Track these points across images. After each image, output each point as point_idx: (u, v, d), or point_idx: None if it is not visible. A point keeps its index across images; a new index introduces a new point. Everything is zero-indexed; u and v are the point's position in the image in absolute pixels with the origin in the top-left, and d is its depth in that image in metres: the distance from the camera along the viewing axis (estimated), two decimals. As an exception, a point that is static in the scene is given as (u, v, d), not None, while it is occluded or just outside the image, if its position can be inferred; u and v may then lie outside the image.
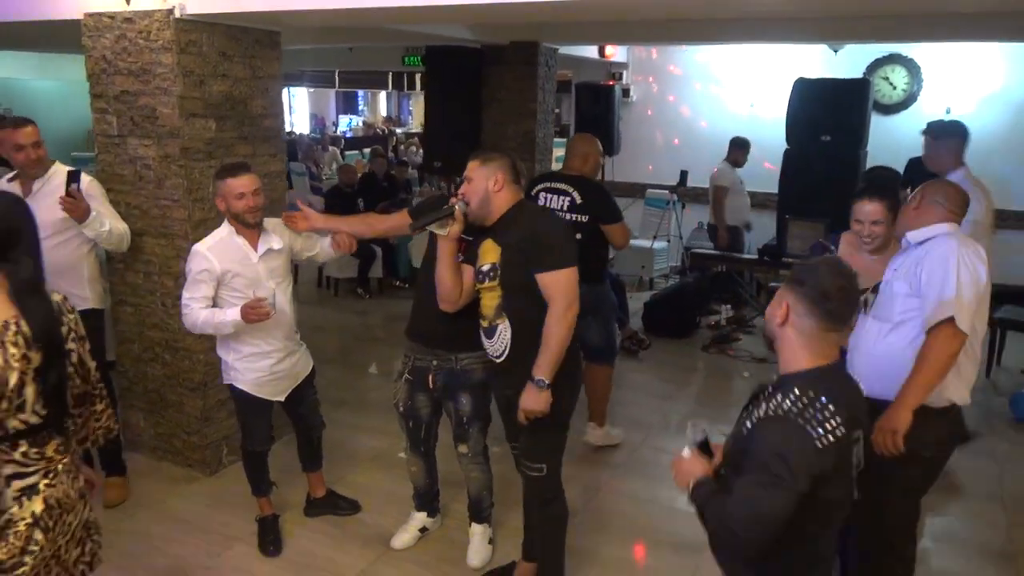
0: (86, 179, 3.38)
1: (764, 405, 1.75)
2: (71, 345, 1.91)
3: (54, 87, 12.30)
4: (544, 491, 2.83)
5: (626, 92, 8.63)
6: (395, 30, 5.20)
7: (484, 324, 2.74)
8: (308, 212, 3.14)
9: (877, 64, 7.73)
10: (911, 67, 7.65)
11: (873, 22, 5.46)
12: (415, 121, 15.88)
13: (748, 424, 1.79)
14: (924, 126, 6.63)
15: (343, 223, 3.32)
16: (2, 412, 1.76)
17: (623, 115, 8.16)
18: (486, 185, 2.61)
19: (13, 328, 1.77)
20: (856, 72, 7.68)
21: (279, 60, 4.04)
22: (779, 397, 1.71)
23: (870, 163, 6.71)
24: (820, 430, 1.64)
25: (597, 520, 3.61)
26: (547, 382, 2.58)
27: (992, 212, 3.93)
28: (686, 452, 1.90)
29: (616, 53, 8.36)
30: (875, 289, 2.65)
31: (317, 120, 17.67)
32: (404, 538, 3.39)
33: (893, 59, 7.69)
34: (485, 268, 2.66)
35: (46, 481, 1.85)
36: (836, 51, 7.53)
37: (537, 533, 2.94)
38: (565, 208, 3.92)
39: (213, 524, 3.54)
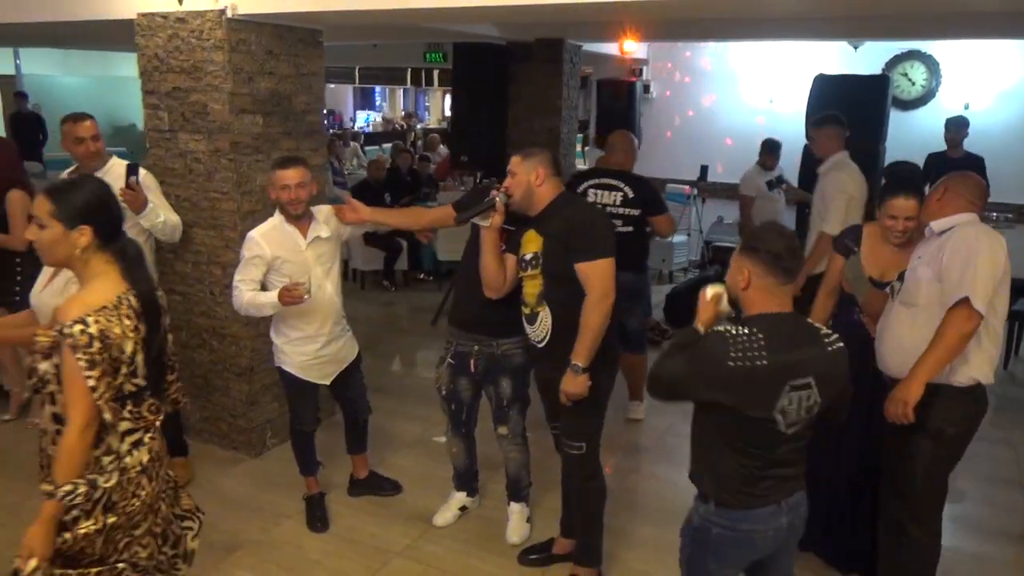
0: (142, 172, 3.54)
1: None
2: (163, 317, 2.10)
3: (79, 83, 12.53)
4: (583, 468, 2.97)
5: (646, 88, 8.74)
6: (426, 28, 5.35)
7: (526, 311, 2.89)
8: (356, 205, 3.28)
9: (896, 60, 7.82)
10: (930, 63, 7.73)
11: (891, 21, 5.56)
12: (432, 117, 16.02)
13: None
14: (943, 121, 6.77)
15: (390, 216, 3.48)
16: (122, 377, 1.93)
17: (643, 111, 8.28)
18: (528, 179, 2.75)
19: (126, 302, 1.95)
20: (875, 68, 7.77)
21: (321, 58, 4.19)
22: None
23: (888, 158, 6.80)
24: (736, 353, 1.93)
25: (630, 500, 3.76)
26: (583, 367, 2.73)
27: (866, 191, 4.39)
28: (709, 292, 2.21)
29: (636, 50, 8.47)
30: (900, 277, 2.77)
31: (334, 116, 17.87)
32: (445, 516, 3.55)
33: (912, 55, 7.77)
34: (528, 257, 2.81)
35: (149, 435, 2.05)
36: (856, 48, 7.62)
37: (576, 509, 3.08)
38: (618, 203, 4.10)
39: (262, 503, 3.70)
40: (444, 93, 16.11)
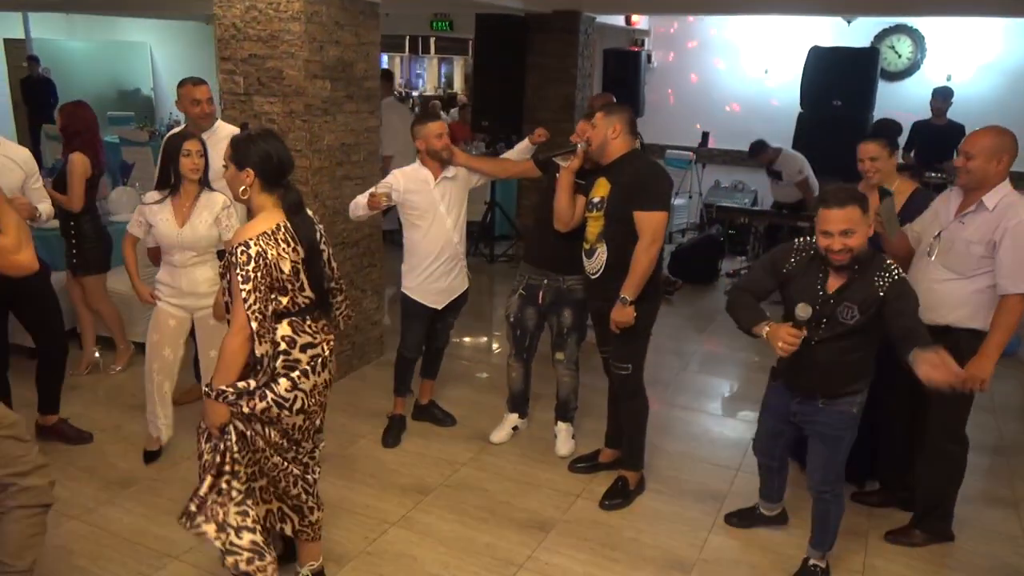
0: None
1: (876, 278, 2.65)
2: (323, 247, 2.57)
3: (85, 47, 12.67)
4: (629, 387, 3.48)
5: (648, 58, 9.18)
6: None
7: (586, 246, 3.38)
8: (453, 149, 3.75)
9: (884, 34, 8.32)
10: (915, 37, 8.25)
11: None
12: (428, 85, 16.31)
13: (880, 292, 2.65)
14: (928, 92, 7.30)
15: (482, 163, 3.98)
16: (291, 293, 2.41)
17: (646, 80, 8.75)
18: (606, 132, 3.22)
19: (283, 229, 2.41)
20: (865, 41, 8.27)
21: (377, 28, 4.61)
22: (886, 274, 2.65)
23: (876, 127, 7.33)
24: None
25: (659, 424, 4.29)
26: (631, 300, 3.23)
27: None
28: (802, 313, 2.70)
29: (640, 21, 8.90)
30: (937, 236, 3.09)
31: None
32: (501, 434, 4.07)
33: (899, 29, 8.28)
34: (596, 200, 3.30)
35: (328, 349, 2.55)
36: (849, 22, 8.10)
37: (624, 422, 3.60)
38: None
39: (336, 425, 4.17)
40: (440, 61, 16.39)
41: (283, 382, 2.42)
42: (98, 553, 3.05)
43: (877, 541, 3.30)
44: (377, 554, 3.12)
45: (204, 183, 3.50)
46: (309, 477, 2.65)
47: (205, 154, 3.45)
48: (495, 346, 5.56)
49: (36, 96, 11.05)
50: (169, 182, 3.44)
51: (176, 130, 3.83)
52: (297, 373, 2.43)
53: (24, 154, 3.64)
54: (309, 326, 2.48)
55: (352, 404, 4.37)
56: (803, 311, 2.64)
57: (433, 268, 3.80)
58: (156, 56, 13.46)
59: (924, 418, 3.20)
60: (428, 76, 17.00)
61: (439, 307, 3.91)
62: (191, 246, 3.46)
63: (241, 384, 2.37)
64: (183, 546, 3.10)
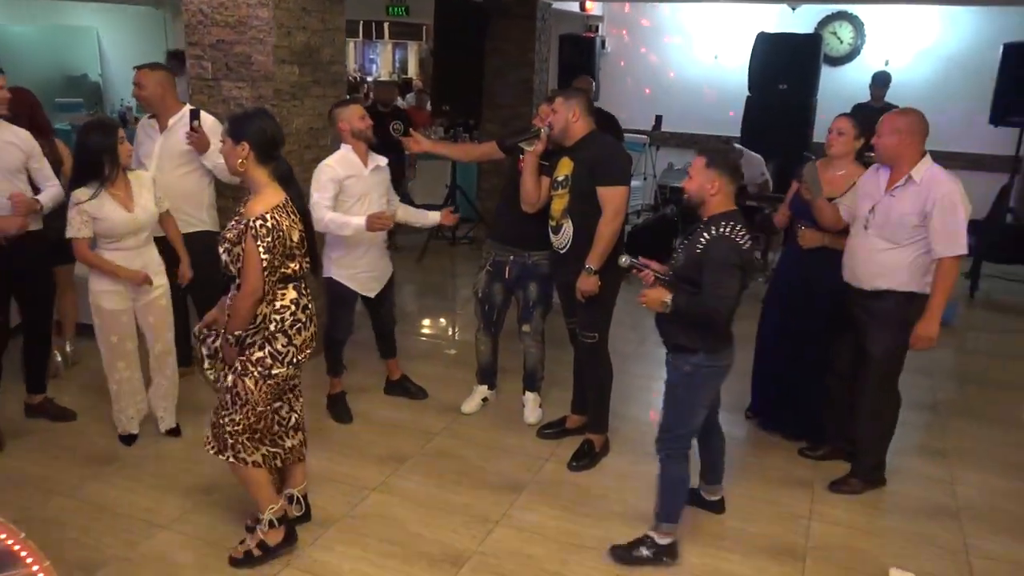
0: (208, 118, 3.99)
1: (704, 234, 2.75)
2: None
3: (29, 32, 12.36)
4: (595, 354, 3.70)
5: (603, 43, 9.40)
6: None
7: (552, 223, 3.58)
8: (418, 137, 3.90)
9: (827, 20, 8.68)
10: (856, 23, 8.62)
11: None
12: (383, 70, 16.30)
13: (697, 248, 2.76)
14: (868, 77, 7.66)
15: (447, 148, 4.14)
16: (299, 260, 2.63)
17: (600, 65, 8.96)
18: (567, 116, 3.41)
19: (289, 203, 2.63)
20: (808, 28, 8.61)
21: (343, 14, 4.71)
22: (713, 229, 2.73)
23: (820, 110, 7.68)
24: (740, 240, 2.70)
25: (620, 391, 4.50)
26: (595, 269, 3.44)
27: None
28: (624, 260, 2.95)
29: (594, 7, 9.10)
30: (872, 210, 3.35)
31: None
32: (471, 405, 4.26)
33: (841, 16, 8.64)
34: (561, 178, 3.49)
35: (312, 304, 2.76)
36: (794, 9, 8.42)
37: (589, 389, 3.82)
38: None
39: (312, 400, 4.26)
40: (395, 46, 16.39)
41: (280, 338, 2.66)
42: (88, 526, 3.16)
43: (823, 490, 3.59)
44: (360, 517, 3.29)
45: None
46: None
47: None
48: (460, 324, 5.73)
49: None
50: (101, 174, 3.33)
51: (147, 116, 3.90)
52: (294, 331, 2.67)
53: (24, 134, 3.64)
54: (306, 288, 2.71)
55: (325, 379, 4.49)
56: (622, 259, 2.97)
57: (368, 256, 3.91)
58: (104, 41, 13.20)
59: (864, 377, 3.48)
60: (382, 61, 16.98)
61: (372, 295, 4.03)
62: (146, 225, 3.53)
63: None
64: (170, 515, 3.23)
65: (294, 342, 2.70)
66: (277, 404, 2.85)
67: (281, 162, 2.68)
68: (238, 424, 2.72)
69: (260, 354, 2.66)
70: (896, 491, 3.60)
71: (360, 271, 3.94)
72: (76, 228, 3.36)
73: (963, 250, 3.16)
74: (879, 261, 3.32)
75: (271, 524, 2.90)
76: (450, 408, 4.29)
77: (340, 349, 4.16)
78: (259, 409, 2.72)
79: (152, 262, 3.60)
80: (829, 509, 3.46)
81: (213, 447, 2.80)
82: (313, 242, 2.78)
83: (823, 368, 3.75)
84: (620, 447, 3.91)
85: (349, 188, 3.74)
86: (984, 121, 6.51)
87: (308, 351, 2.79)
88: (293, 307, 2.67)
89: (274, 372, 2.68)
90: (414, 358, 4.96)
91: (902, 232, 3.25)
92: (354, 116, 3.74)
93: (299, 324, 2.70)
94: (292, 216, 2.62)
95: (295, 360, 2.74)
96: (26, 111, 4.25)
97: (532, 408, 4.17)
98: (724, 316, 2.77)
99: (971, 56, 8.05)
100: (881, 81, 7.41)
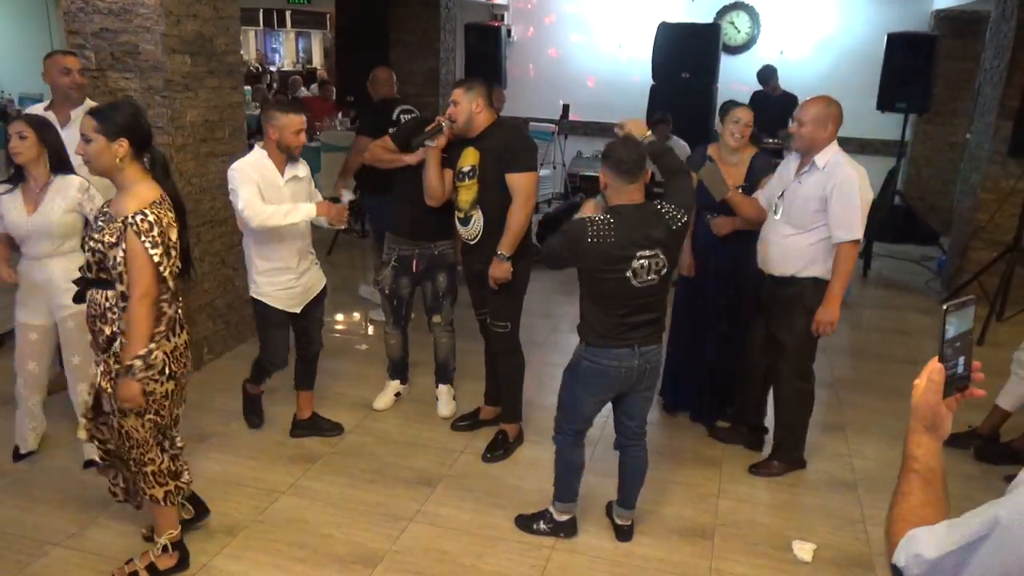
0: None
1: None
2: None
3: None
4: (508, 344, 3.70)
5: (508, 33, 9.38)
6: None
7: (460, 215, 3.54)
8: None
9: (725, 10, 8.91)
10: (752, 13, 8.88)
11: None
12: (287, 60, 15.81)
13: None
14: (761, 66, 7.91)
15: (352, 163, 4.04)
16: (174, 258, 2.46)
17: (507, 54, 8.94)
18: (470, 107, 3.37)
19: (166, 200, 2.47)
20: (708, 17, 8.83)
21: (236, 2, 4.53)
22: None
23: (721, 97, 7.86)
24: (592, 232, 2.66)
25: (534, 380, 4.54)
26: (508, 256, 3.43)
27: None
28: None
29: (499, -4, 9.07)
30: (781, 196, 3.46)
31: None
32: (384, 400, 4.19)
33: (737, 6, 8.89)
34: (466, 169, 3.45)
35: (180, 311, 2.61)
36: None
37: (502, 379, 3.81)
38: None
39: (215, 404, 4.16)
40: (298, 35, 15.94)
41: (151, 345, 2.46)
42: (-30, 548, 2.95)
43: (731, 468, 3.69)
44: (268, 522, 3.19)
45: (60, 167, 3.20)
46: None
47: (40, 135, 3.13)
48: (371, 318, 5.63)
49: None
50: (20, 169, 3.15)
51: (43, 106, 3.67)
52: (160, 338, 2.49)
53: None
54: (173, 292, 2.54)
55: (229, 383, 4.33)
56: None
57: (290, 272, 3.51)
58: (-19, 29, 12.35)
59: (778, 365, 3.58)
60: (286, 51, 16.49)
61: (297, 310, 3.60)
62: (44, 234, 3.20)
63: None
64: (64, 532, 3.05)
65: (161, 348, 2.50)
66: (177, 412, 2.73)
67: (156, 153, 2.53)
68: (150, 451, 2.62)
69: (139, 363, 2.45)
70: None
71: (281, 288, 3.51)
72: None
73: (858, 235, 3.26)
74: (785, 246, 3.41)
75: (165, 549, 2.78)
76: (363, 404, 4.22)
77: (269, 374, 3.85)
78: (161, 417, 2.60)
79: (59, 278, 3.18)
80: (736, 487, 3.57)
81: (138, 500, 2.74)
82: (187, 242, 2.62)
83: (730, 350, 3.85)
84: (534, 436, 3.92)
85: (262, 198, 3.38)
86: (872, 107, 6.81)
87: (185, 360, 2.63)
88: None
89: (157, 390, 2.52)
90: (324, 354, 4.83)
91: (805, 217, 3.34)
92: (291, 127, 3.29)
93: (160, 334, 2.49)
94: (171, 212, 2.46)
95: (171, 371, 2.55)
96: None
97: (446, 401, 4.14)
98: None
99: (860, 45, 8.40)
100: (768, 75, 7.70)
